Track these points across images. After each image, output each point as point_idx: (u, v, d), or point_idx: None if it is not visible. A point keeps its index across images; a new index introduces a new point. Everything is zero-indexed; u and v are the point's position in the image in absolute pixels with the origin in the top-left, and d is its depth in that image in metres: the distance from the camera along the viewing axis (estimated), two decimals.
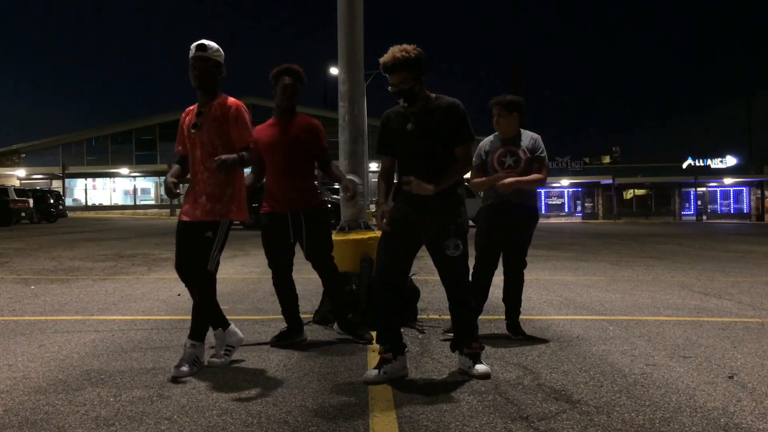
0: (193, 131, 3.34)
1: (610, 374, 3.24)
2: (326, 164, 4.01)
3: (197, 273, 3.33)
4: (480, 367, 3.18)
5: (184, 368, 3.18)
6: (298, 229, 3.87)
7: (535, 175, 3.98)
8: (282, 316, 4.00)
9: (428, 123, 3.13)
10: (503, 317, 4.25)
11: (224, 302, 4.43)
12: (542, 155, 4.04)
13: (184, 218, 3.38)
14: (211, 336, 3.50)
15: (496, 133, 4.13)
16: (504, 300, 4.21)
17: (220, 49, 3.34)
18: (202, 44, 3.28)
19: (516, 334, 4.10)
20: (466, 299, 3.25)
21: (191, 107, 3.47)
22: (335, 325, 4.19)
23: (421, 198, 3.12)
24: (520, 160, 3.97)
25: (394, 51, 3.04)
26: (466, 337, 3.28)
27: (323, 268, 4.01)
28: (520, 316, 4.22)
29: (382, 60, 3.07)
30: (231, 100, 3.39)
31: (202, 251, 3.31)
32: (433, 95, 3.20)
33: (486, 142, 4.16)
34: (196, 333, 3.33)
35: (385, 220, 3.16)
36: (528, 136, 4.06)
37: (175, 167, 3.50)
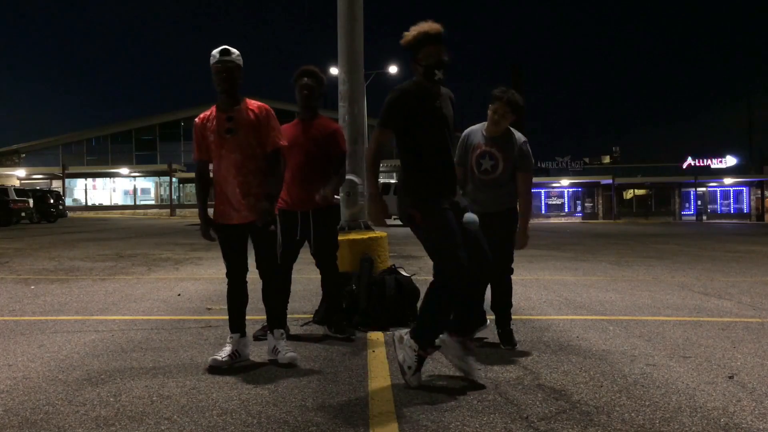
0: (228, 136, 3.39)
1: (610, 374, 3.24)
2: (339, 168, 4.09)
3: (270, 267, 3.50)
4: (476, 372, 3.11)
5: (292, 353, 3.43)
6: (306, 227, 3.97)
7: (525, 199, 3.81)
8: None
9: (447, 106, 3.11)
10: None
11: (224, 302, 4.42)
12: (527, 163, 3.79)
13: (231, 221, 3.44)
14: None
15: (484, 124, 3.83)
16: (492, 308, 3.95)
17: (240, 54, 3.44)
18: (226, 49, 3.38)
19: (507, 344, 3.82)
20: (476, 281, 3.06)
21: (206, 113, 3.51)
22: (324, 327, 4.20)
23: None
24: (498, 165, 3.74)
25: (432, 23, 2.94)
26: (465, 324, 3.14)
27: (326, 267, 4.09)
28: (522, 316, 4.19)
29: (425, 29, 2.92)
30: (256, 102, 3.51)
31: (269, 246, 3.48)
32: None
33: (472, 133, 3.87)
34: (281, 322, 3.57)
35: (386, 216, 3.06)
36: (518, 140, 3.78)
37: (201, 187, 3.53)
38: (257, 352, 3.68)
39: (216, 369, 3.30)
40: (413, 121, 3.01)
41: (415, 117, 3.00)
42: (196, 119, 3.54)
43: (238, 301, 3.55)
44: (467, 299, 3.08)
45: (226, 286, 3.57)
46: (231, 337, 3.49)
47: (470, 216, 3.01)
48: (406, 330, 3.11)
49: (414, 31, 2.97)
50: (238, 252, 3.51)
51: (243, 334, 3.51)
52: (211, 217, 3.53)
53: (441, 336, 3.10)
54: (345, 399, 2.83)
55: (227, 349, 3.44)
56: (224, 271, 3.57)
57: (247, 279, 3.58)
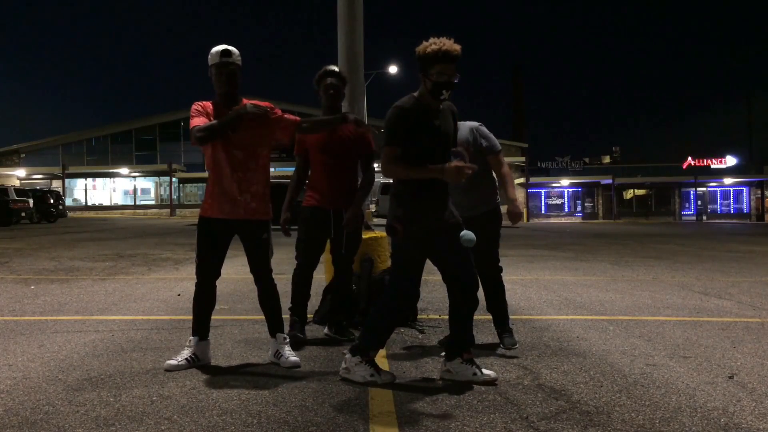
0: (230, 133, 3.33)
1: (610, 374, 3.24)
2: (368, 167, 4.10)
3: (264, 272, 3.46)
4: (488, 372, 3.09)
5: (294, 358, 3.39)
6: (338, 226, 3.97)
7: (506, 177, 3.77)
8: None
9: (447, 122, 3.11)
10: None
11: (225, 302, 4.44)
12: (491, 144, 3.76)
13: (222, 215, 3.36)
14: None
15: None
16: (488, 309, 3.89)
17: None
18: (227, 50, 3.34)
19: (507, 344, 3.74)
20: (475, 294, 3.12)
21: (207, 102, 3.40)
22: (326, 328, 4.19)
23: (446, 200, 3.08)
24: (464, 158, 3.63)
25: (454, 44, 2.92)
26: (467, 341, 3.16)
27: (345, 266, 4.11)
28: (522, 316, 4.16)
29: (446, 48, 2.89)
30: (254, 102, 3.44)
31: (262, 251, 3.44)
32: None
33: None
34: (282, 326, 3.52)
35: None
36: (466, 129, 3.76)
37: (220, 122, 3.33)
38: (257, 353, 3.69)
39: (215, 369, 3.30)
40: (410, 137, 3.02)
41: (413, 134, 3.01)
42: (197, 102, 3.41)
43: (207, 305, 3.44)
44: (460, 318, 3.14)
45: (195, 287, 3.44)
46: (190, 340, 3.41)
47: (467, 234, 3.00)
48: (342, 364, 3.15)
49: (434, 44, 2.92)
50: (219, 250, 3.40)
51: (203, 338, 3.43)
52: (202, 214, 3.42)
53: (451, 367, 3.14)
54: (345, 399, 2.83)
55: (185, 353, 3.37)
56: (224, 270, 3.54)
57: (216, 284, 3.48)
